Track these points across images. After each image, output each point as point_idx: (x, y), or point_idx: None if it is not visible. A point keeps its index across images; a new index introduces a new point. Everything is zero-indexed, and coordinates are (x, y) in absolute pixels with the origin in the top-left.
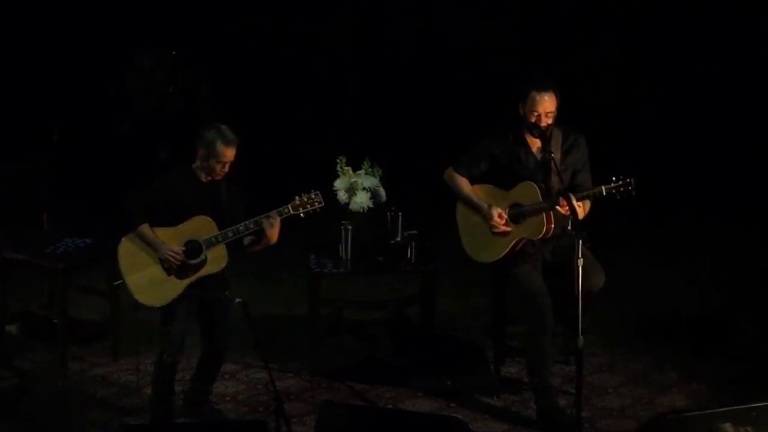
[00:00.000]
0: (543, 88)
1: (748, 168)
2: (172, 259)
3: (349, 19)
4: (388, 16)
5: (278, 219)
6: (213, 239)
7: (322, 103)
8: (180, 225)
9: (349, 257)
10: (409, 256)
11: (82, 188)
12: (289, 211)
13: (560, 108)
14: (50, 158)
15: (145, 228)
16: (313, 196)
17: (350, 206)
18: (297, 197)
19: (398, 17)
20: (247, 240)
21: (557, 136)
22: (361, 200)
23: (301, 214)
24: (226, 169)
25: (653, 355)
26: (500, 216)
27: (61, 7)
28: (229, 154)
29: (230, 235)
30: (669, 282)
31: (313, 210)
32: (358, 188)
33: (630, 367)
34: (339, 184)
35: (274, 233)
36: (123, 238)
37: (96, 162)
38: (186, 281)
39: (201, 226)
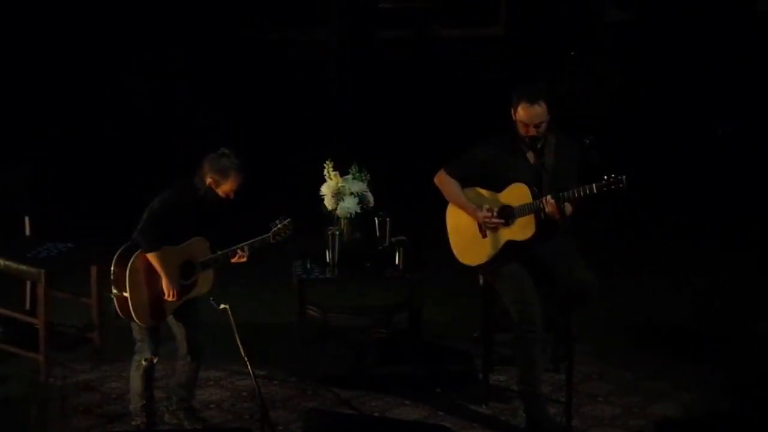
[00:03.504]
0: (533, 100)
1: (747, 170)
2: (175, 299)
3: (341, 21)
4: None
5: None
6: (208, 262)
7: (311, 107)
8: (181, 245)
9: (335, 263)
10: (396, 262)
11: (65, 193)
12: (270, 240)
13: (553, 113)
14: (33, 163)
15: (154, 257)
16: (286, 223)
17: (337, 211)
18: (273, 227)
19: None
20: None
21: (551, 142)
22: (349, 205)
23: (272, 241)
24: (233, 196)
25: (645, 364)
26: (489, 210)
27: (34, 15)
28: (240, 182)
29: (221, 259)
30: (662, 290)
31: (282, 239)
32: (345, 193)
33: (621, 375)
34: (326, 189)
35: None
36: (134, 255)
37: (79, 167)
38: (178, 302)
39: (199, 249)
